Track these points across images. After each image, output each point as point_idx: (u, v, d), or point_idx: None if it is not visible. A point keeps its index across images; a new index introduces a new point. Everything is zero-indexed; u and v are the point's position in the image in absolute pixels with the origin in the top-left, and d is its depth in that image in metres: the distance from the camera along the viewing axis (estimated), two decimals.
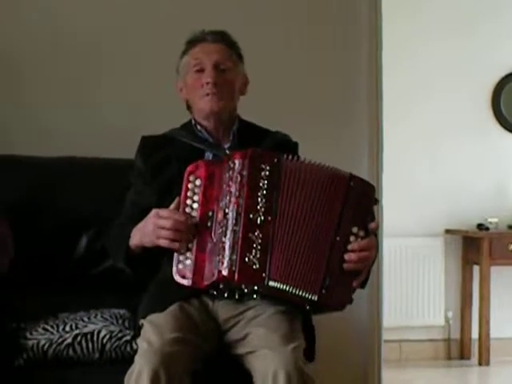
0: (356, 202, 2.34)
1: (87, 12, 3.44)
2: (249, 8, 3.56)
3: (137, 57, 3.42)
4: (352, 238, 2.31)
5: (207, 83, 2.50)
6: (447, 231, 5.63)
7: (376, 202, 2.41)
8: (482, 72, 5.71)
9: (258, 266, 2.22)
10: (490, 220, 5.50)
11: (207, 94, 2.50)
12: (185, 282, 2.27)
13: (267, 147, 2.46)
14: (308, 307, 2.30)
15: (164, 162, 2.53)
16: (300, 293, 2.25)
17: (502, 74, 5.75)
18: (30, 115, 3.38)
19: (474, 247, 5.45)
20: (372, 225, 2.36)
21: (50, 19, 3.42)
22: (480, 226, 5.51)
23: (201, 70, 2.53)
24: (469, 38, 5.66)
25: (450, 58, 5.63)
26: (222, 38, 2.58)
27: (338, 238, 2.30)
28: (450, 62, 5.62)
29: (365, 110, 3.70)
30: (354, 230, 2.32)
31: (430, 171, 5.61)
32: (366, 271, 2.36)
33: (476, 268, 5.50)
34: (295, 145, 2.67)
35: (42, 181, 3.03)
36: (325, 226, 2.30)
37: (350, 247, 2.30)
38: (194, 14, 3.45)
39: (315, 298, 2.26)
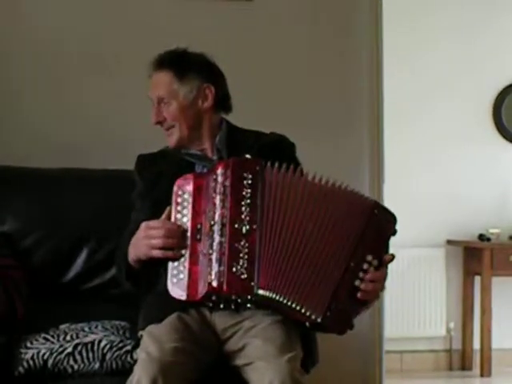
0: (376, 230, 2.31)
1: (87, 20, 3.45)
2: (248, 12, 3.56)
3: (139, 65, 3.41)
4: (365, 266, 2.27)
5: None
6: (449, 242, 5.63)
7: (395, 232, 2.36)
8: (484, 83, 5.72)
9: (245, 275, 2.20)
10: (491, 231, 5.50)
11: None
12: (180, 297, 2.26)
13: (259, 150, 2.45)
14: (308, 324, 2.26)
15: (157, 177, 2.53)
16: (302, 310, 2.22)
17: (504, 85, 5.76)
18: (27, 125, 3.38)
19: (476, 258, 5.45)
20: (387, 257, 2.32)
21: (49, 26, 3.42)
22: (481, 237, 5.51)
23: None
24: (470, 49, 5.67)
25: (452, 69, 5.64)
26: (162, 63, 2.55)
27: (352, 264, 2.27)
28: (451, 73, 5.63)
29: (366, 121, 3.70)
30: (369, 258, 2.28)
31: (432, 182, 5.61)
32: (374, 301, 2.34)
33: (477, 279, 5.49)
34: (292, 145, 2.63)
35: (41, 192, 3.03)
36: (335, 246, 2.27)
37: (368, 277, 2.26)
38: (194, 17, 3.46)
39: (319, 319, 2.23)
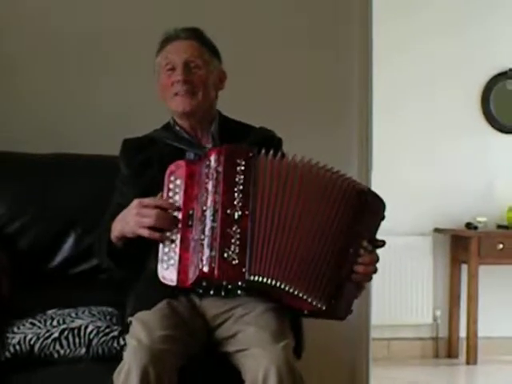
0: (370, 216, 2.33)
1: (86, 10, 3.44)
2: (240, 7, 3.56)
3: (136, 55, 3.40)
4: (362, 252, 2.30)
5: (177, 81, 2.48)
6: (436, 230, 5.65)
7: (383, 217, 2.38)
8: (472, 72, 5.73)
9: (237, 261, 2.20)
10: (478, 219, 5.52)
11: (176, 94, 2.49)
12: (170, 283, 2.26)
13: (250, 143, 2.43)
14: (306, 312, 2.28)
15: (145, 163, 2.51)
16: (304, 297, 2.23)
17: (492, 74, 5.77)
18: (26, 112, 3.38)
19: (463, 246, 5.47)
20: (379, 242, 2.35)
21: (48, 17, 3.42)
22: (469, 225, 5.52)
23: (172, 69, 2.51)
24: (459, 39, 5.68)
25: (441, 59, 5.64)
26: (195, 35, 2.55)
27: (351, 250, 2.29)
28: (440, 63, 5.64)
29: (354, 109, 3.70)
30: (365, 243, 2.31)
31: (419, 170, 5.62)
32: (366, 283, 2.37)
33: (464, 267, 5.52)
34: (279, 140, 2.64)
35: (29, 177, 3.02)
36: (332, 232, 2.28)
37: (361, 260, 2.29)
38: (190, 15, 3.44)
39: (324, 307, 2.24)
